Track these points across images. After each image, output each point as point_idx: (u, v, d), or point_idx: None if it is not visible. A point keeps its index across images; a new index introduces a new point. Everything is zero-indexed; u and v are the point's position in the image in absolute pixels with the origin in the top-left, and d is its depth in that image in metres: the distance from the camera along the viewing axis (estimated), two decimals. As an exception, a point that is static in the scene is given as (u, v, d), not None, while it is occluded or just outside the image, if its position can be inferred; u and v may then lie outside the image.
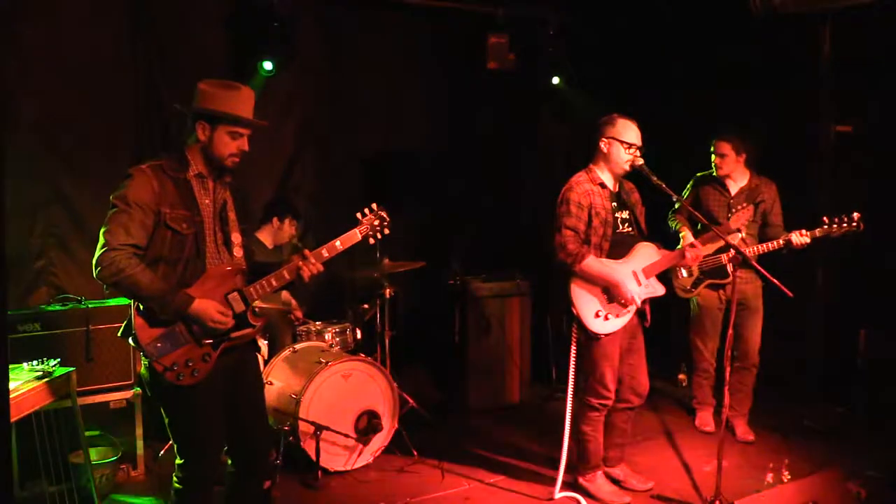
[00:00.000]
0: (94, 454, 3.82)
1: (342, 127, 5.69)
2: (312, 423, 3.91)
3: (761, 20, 4.73)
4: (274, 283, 2.79)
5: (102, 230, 2.58)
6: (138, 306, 2.63)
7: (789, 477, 3.86)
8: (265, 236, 4.69)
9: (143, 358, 2.66)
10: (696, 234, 4.25)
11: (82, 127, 4.61)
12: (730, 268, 4.32)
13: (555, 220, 3.62)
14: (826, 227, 4.06)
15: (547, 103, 6.44)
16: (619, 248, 3.62)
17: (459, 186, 6.07)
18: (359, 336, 4.76)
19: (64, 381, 3.26)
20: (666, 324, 4.74)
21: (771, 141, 4.95)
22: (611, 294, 3.57)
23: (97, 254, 2.55)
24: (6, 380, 2.15)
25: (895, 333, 4.69)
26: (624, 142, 3.57)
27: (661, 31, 5.79)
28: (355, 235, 2.91)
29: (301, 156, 5.65)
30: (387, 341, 4.82)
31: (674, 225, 4.50)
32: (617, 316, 3.58)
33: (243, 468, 2.89)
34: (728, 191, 4.46)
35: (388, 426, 4.26)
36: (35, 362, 3.23)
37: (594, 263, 3.53)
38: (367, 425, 4.13)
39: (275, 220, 4.72)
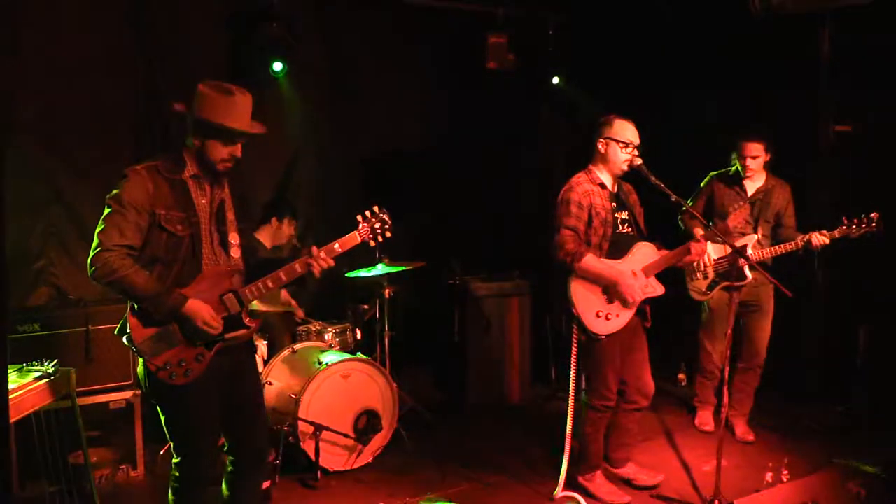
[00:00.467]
0: (94, 455, 3.83)
1: (342, 127, 5.69)
2: (312, 423, 3.92)
3: (760, 20, 4.73)
4: (270, 284, 2.79)
5: (97, 230, 2.59)
6: (133, 306, 2.65)
7: (788, 476, 3.86)
8: (264, 237, 4.69)
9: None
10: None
11: (82, 127, 4.62)
12: (747, 270, 4.25)
13: (554, 219, 3.62)
14: (845, 227, 4.06)
15: (547, 103, 6.45)
16: (618, 248, 3.63)
17: (459, 186, 6.08)
18: (358, 336, 4.76)
19: (63, 381, 3.26)
20: (665, 324, 4.73)
21: (768, 137, 4.95)
22: (611, 294, 3.57)
23: (91, 254, 2.57)
24: (6, 380, 2.15)
25: (894, 333, 4.69)
26: (621, 141, 3.58)
27: (660, 31, 5.78)
28: (354, 238, 2.90)
29: (301, 156, 5.66)
30: (386, 341, 4.82)
31: (685, 226, 4.46)
32: (617, 316, 3.58)
33: (242, 468, 2.90)
34: (745, 191, 4.42)
35: (388, 426, 4.26)
36: (35, 362, 3.23)
37: (593, 262, 3.54)
38: (367, 425, 4.13)
39: (273, 220, 4.72)
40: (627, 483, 3.89)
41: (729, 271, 4.21)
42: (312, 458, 3.93)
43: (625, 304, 3.58)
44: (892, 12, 4.40)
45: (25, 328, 3.76)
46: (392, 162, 5.87)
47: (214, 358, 2.71)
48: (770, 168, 4.43)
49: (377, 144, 5.87)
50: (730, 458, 4.12)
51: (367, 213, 2.94)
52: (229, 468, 2.91)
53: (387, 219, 2.94)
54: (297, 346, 4.40)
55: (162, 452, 4.14)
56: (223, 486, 2.94)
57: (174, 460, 2.76)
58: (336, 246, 2.86)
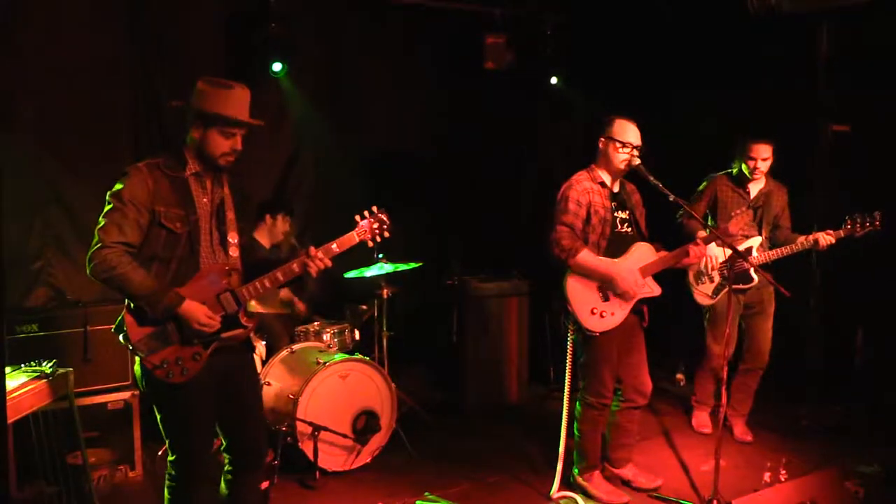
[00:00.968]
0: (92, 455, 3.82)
1: (341, 127, 5.69)
2: (310, 424, 3.92)
3: (759, 20, 4.73)
4: (268, 284, 2.79)
5: (97, 227, 2.60)
6: (130, 304, 2.65)
7: (787, 476, 3.86)
8: (261, 236, 4.69)
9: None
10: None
11: (81, 127, 4.62)
12: (752, 272, 4.27)
13: (553, 215, 3.64)
14: (849, 227, 4.09)
15: (545, 103, 6.44)
16: (616, 247, 3.63)
17: (458, 186, 6.08)
18: (357, 336, 4.76)
19: (62, 381, 3.25)
20: (664, 324, 4.73)
21: (777, 140, 4.96)
22: (606, 291, 3.58)
23: (90, 250, 2.58)
24: (3, 381, 2.15)
25: (893, 333, 4.70)
26: (618, 141, 3.59)
27: (659, 31, 5.79)
28: (353, 238, 2.91)
29: (300, 156, 5.66)
30: (385, 341, 4.82)
31: (686, 227, 4.43)
32: (612, 314, 3.59)
33: (240, 467, 2.90)
34: (749, 194, 4.42)
35: (387, 426, 4.26)
36: (33, 363, 3.23)
37: (589, 258, 3.55)
38: (366, 425, 4.13)
39: (267, 217, 4.72)
40: (626, 484, 3.89)
41: (736, 274, 4.21)
42: (311, 458, 3.93)
43: (620, 301, 3.58)
44: (890, 12, 4.41)
45: (24, 329, 3.76)
46: (391, 162, 5.86)
47: (211, 357, 2.71)
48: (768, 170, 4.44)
49: (376, 144, 5.87)
50: (728, 457, 4.13)
51: (366, 213, 2.95)
52: (227, 468, 2.91)
53: (385, 219, 2.95)
54: (295, 347, 4.40)
55: (160, 453, 4.13)
56: (221, 485, 2.94)
57: (170, 459, 2.77)
58: (334, 246, 2.87)
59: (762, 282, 4.30)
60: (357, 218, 2.94)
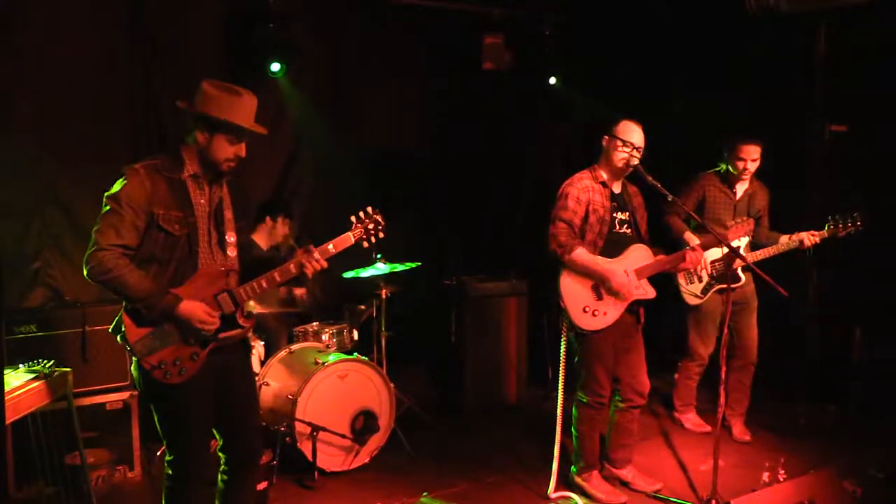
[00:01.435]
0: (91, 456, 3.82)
1: (340, 127, 5.69)
2: (309, 424, 3.92)
3: (757, 20, 4.74)
4: (265, 284, 2.80)
5: (94, 229, 2.60)
6: (127, 305, 2.64)
7: (785, 476, 3.86)
8: (260, 237, 4.69)
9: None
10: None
11: (79, 128, 4.62)
12: (740, 272, 4.32)
13: (552, 212, 3.65)
14: (832, 227, 4.16)
15: (545, 103, 6.45)
16: (613, 247, 3.64)
17: (456, 186, 6.08)
18: (355, 336, 4.76)
19: (60, 382, 3.25)
20: (663, 324, 4.74)
21: (767, 140, 4.96)
22: (600, 290, 3.59)
23: (87, 252, 2.58)
24: (2, 381, 2.15)
25: (890, 332, 4.70)
26: (620, 139, 3.60)
27: (658, 31, 5.79)
28: (348, 239, 2.91)
29: (299, 156, 5.66)
30: (383, 342, 4.82)
31: (673, 227, 4.45)
32: (605, 314, 3.60)
33: (237, 466, 2.91)
34: (735, 193, 4.46)
35: (385, 426, 4.26)
36: (31, 363, 3.23)
37: (584, 255, 3.56)
38: (364, 425, 4.13)
39: (267, 219, 4.72)
40: (625, 486, 3.89)
41: (724, 274, 4.25)
42: (310, 458, 3.93)
43: (614, 301, 3.59)
44: (888, 13, 4.41)
45: (22, 329, 3.76)
46: (390, 162, 5.87)
47: (209, 357, 2.71)
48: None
49: (375, 144, 5.87)
50: (726, 457, 4.13)
51: (361, 214, 2.96)
52: (223, 468, 2.91)
53: (380, 220, 2.96)
54: (294, 347, 4.40)
55: (159, 453, 4.13)
56: (218, 485, 2.93)
57: (167, 458, 2.77)
58: (330, 247, 2.88)
59: (747, 279, 4.38)
60: (352, 219, 2.95)
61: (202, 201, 2.76)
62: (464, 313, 5.29)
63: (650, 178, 3.55)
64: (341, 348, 4.61)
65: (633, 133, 3.62)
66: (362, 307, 4.99)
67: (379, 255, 4.53)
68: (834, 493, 3.62)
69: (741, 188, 4.46)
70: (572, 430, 3.78)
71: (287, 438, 4.00)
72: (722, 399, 3.53)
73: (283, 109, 5.48)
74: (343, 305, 5.13)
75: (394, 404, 4.31)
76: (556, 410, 3.82)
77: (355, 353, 4.49)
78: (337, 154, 5.71)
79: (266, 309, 4.50)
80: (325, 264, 2.83)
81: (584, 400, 3.70)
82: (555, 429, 3.80)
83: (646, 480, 3.91)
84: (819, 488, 3.65)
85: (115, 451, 4.05)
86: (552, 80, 6.19)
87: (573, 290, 3.59)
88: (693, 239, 4.27)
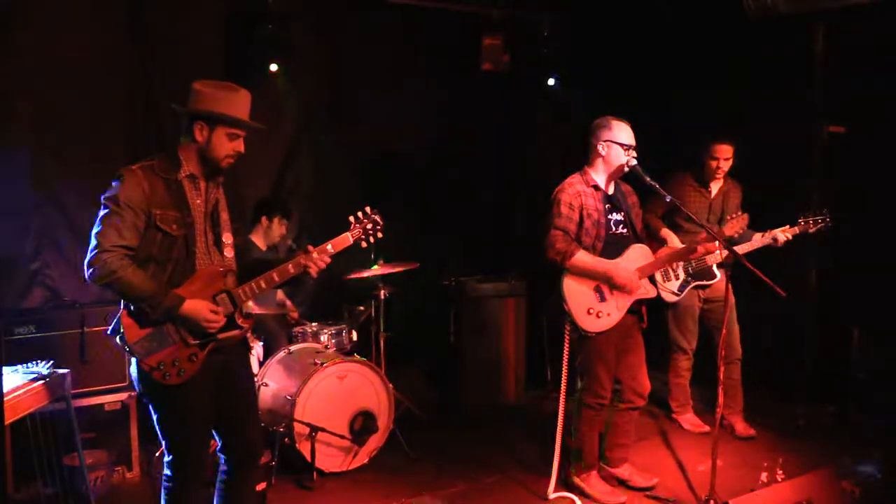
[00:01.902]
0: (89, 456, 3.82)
1: (339, 127, 5.69)
2: (308, 425, 3.92)
3: (756, 20, 4.74)
4: (264, 285, 2.80)
5: (94, 231, 2.59)
6: (128, 306, 2.65)
7: (784, 476, 3.87)
8: (258, 238, 4.68)
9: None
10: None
11: (78, 128, 4.60)
12: (715, 269, 4.42)
13: (546, 219, 3.64)
14: (802, 224, 4.24)
15: (544, 103, 6.44)
16: (612, 248, 3.64)
17: (455, 187, 6.08)
18: (354, 337, 4.76)
19: (59, 382, 3.26)
20: (662, 324, 4.74)
21: (766, 140, 4.96)
22: (603, 291, 3.59)
23: (89, 255, 2.57)
24: (1, 382, 2.16)
25: (888, 333, 4.70)
26: (623, 144, 3.60)
27: (657, 32, 5.79)
28: (346, 239, 2.92)
29: (298, 156, 5.65)
30: (382, 342, 4.82)
31: (652, 225, 4.46)
32: (609, 315, 3.60)
33: (236, 466, 2.91)
34: (710, 192, 4.55)
35: (384, 427, 4.26)
36: (30, 364, 3.23)
37: (585, 257, 3.56)
38: (363, 426, 4.13)
39: (263, 219, 4.70)
40: (623, 484, 3.90)
41: (700, 271, 4.37)
42: (308, 459, 3.93)
43: (617, 302, 3.59)
44: (887, 13, 4.42)
45: (20, 330, 3.75)
46: (388, 162, 5.86)
47: (207, 358, 2.71)
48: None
49: (374, 145, 5.87)
50: (725, 457, 4.13)
51: (360, 214, 2.96)
52: (223, 468, 2.92)
53: (379, 220, 2.96)
54: (293, 348, 4.40)
55: (157, 454, 4.12)
56: (217, 485, 2.94)
57: (167, 459, 2.77)
58: (329, 247, 2.88)
59: (721, 275, 4.42)
60: (350, 219, 2.95)
61: (198, 202, 2.76)
62: (462, 314, 5.29)
63: (648, 179, 3.55)
64: (340, 349, 4.61)
65: (627, 133, 3.62)
66: (361, 308, 4.98)
67: (378, 256, 4.53)
68: (832, 494, 3.62)
69: (715, 187, 4.56)
70: (572, 430, 3.78)
71: (286, 439, 4.00)
72: (721, 399, 3.53)
73: (281, 109, 5.47)
74: (342, 306, 5.13)
75: (392, 405, 4.31)
76: (556, 411, 3.82)
77: (354, 354, 4.49)
78: (336, 154, 5.71)
79: (265, 310, 4.50)
80: (328, 260, 2.85)
81: (586, 401, 3.70)
82: (554, 429, 3.80)
83: (643, 476, 3.91)
84: (817, 488, 3.65)
85: (113, 452, 4.04)
86: (551, 81, 6.18)
87: (577, 294, 3.59)
88: (670, 236, 4.38)
